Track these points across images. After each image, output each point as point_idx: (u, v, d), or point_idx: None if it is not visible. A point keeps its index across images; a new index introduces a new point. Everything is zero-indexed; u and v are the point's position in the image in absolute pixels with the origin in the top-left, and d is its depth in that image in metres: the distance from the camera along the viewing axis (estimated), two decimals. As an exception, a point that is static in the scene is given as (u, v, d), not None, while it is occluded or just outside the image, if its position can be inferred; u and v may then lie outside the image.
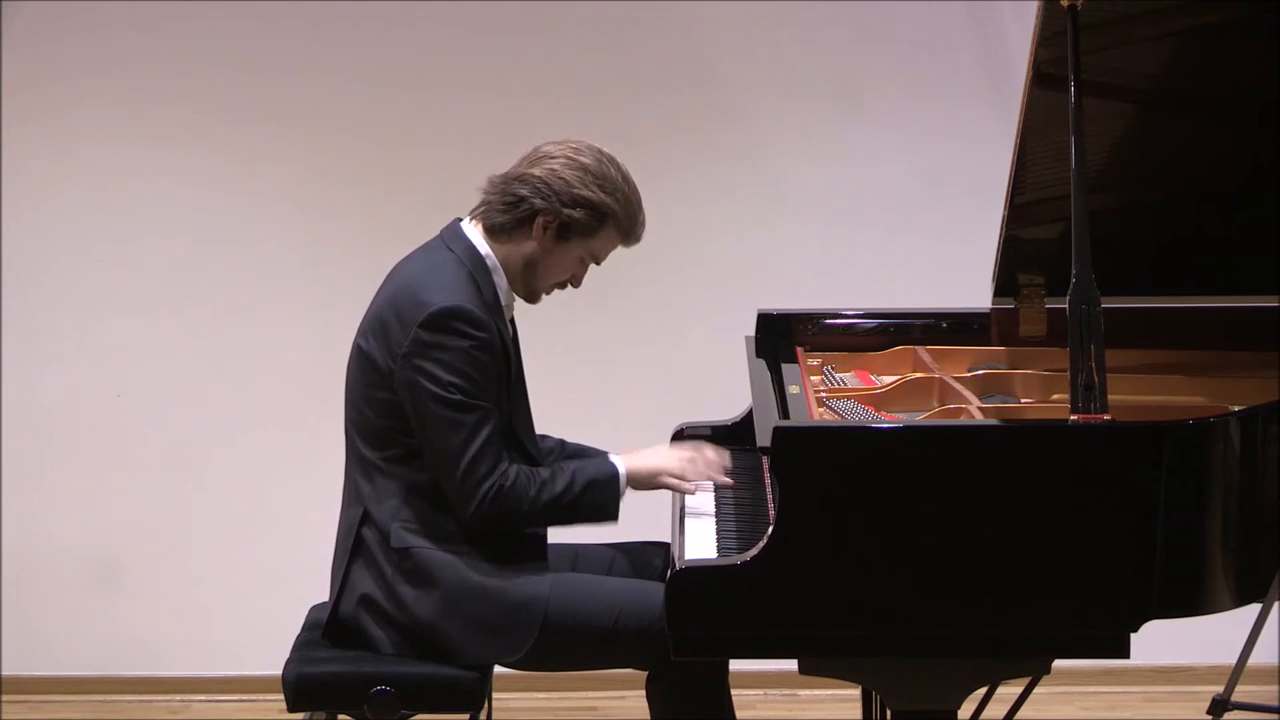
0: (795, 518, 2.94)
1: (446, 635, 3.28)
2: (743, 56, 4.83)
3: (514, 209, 3.34)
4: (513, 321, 3.45)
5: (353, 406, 3.38)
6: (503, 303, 3.38)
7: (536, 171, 3.34)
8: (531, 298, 3.43)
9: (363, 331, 3.39)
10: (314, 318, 4.85)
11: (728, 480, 3.44)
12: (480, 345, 3.26)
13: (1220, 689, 4.31)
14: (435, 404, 3.24)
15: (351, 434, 3.39)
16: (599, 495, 3.33)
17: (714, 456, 3.44)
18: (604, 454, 3.52)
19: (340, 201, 4.85)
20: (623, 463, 3.38)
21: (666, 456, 3.42)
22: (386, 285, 3.42)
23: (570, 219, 3.33)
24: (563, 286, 3.45)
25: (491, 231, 3.37)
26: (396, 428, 3.31)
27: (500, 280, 3.37)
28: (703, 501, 3.48)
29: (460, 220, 3.42)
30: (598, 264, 3.45)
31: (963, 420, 3.28)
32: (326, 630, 3.38)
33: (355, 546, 3.34)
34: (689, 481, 3.40)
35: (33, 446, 4.86)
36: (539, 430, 3.52)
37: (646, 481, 3.40)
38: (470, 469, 3.24)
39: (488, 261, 3.35)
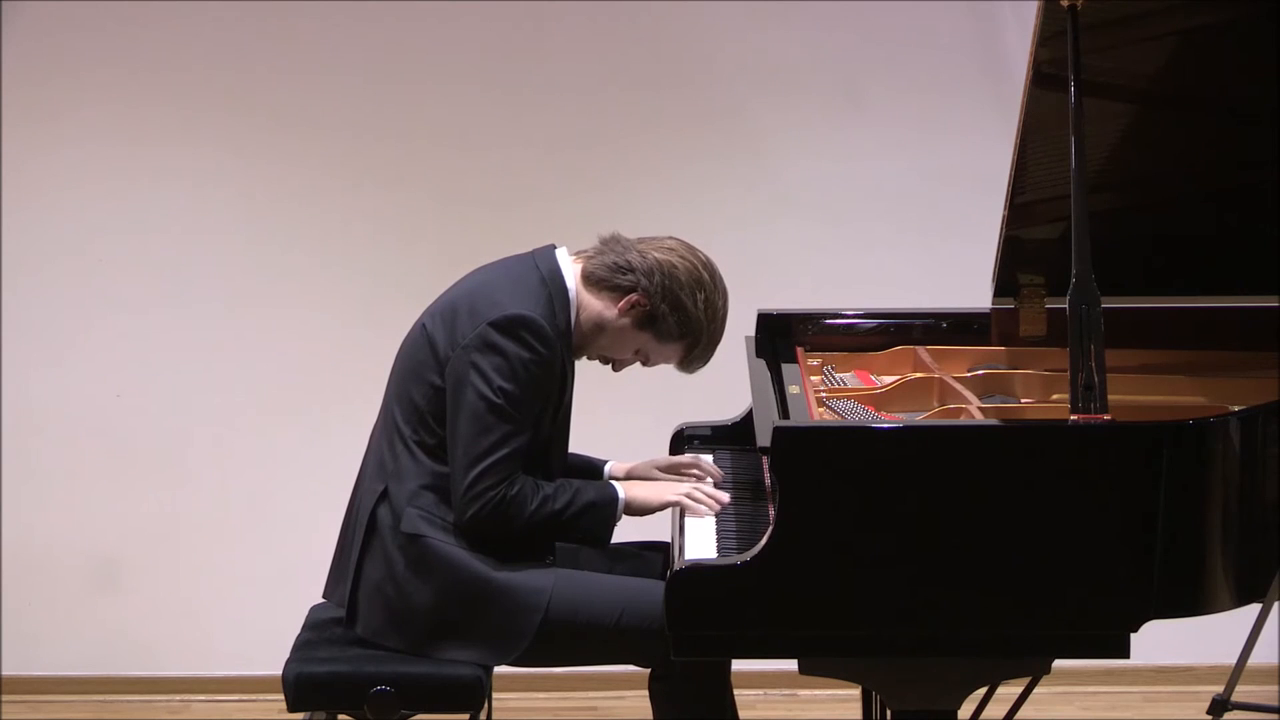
0: (795, 518, 2.94)
1: (444, 628, 3.29)
2: (742, 55, 4.83)
3: (617, 273, 3.38)
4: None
5: (399, 383, 3.41)
6: (571, 334, 3.40)
7: (659, 255, 3.39)
8: (576, 352, 3.45)
9: (430, 314, 3.42)
10: (314, 317, 4.85)
11: (723, 498, 3.42)
12: (539, 361, 3.29)
13: (1220, 689, 4.30)
14: (477, 401, 3.26)
15: (392, 409, 3.41)
16: (594, 519, 3.36)
17: (711, 489, 3.43)
18: (604, 465, 3.60)
19: (341, 200, 4.84)
20: (623, 490, 3.40)
21: (666, 489, 3.43)
22: (466, 280, 3.46)
23: (659, 314, 3.37)
24: (605, 362, 3.49)
25: (586, 278, 3.40)
26: (437, 416, 3.33)
27: (573, 315, 3.39)
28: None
29: (555, 247, 3.44)
30: (645, 364, 3.49)
31: (963, 420, 3.28)
32: (347, 620, 3.38)
33: (369, 529, 3.35)
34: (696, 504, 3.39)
35: (32, 446, 4.86)
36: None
37: (642, 510, 3.42)
38: (483, 474, 3.26)
39: (569, 294, 3.38)
